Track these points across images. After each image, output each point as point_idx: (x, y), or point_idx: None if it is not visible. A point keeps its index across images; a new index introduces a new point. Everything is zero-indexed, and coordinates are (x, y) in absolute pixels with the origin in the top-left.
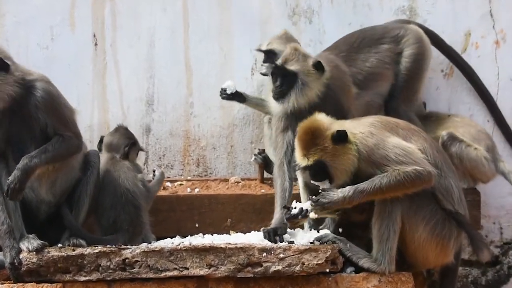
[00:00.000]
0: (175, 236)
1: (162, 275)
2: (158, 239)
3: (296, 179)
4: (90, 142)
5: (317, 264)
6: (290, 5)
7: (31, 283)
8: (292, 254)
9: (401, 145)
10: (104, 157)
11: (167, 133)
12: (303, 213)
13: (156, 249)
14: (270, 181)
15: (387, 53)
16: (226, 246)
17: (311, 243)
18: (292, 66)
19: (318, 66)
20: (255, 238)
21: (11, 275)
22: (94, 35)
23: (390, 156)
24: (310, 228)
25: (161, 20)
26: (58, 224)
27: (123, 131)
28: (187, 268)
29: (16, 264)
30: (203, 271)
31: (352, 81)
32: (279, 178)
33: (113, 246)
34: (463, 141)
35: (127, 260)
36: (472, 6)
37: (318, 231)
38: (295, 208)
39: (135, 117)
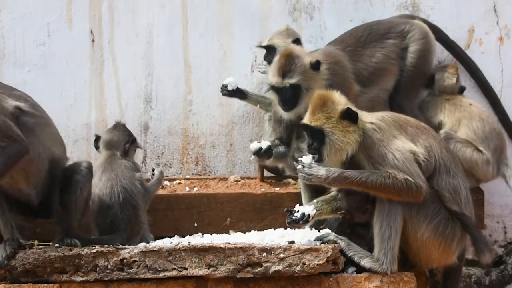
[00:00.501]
0: (173, 236)
1: (161, 275)
2: (156, 238)
3: (296, 178)
4: (87, 140)
5: (318, 264)
6: (291, 0)
7: (27, 284)
8: (292, 254)
9: (403, 150)
10: (102, 155)
11: (166, 131)
12: (305, 219)
13: (155, 249)
14: (270, 180)
15: (392, 48)
16: (225, 246)
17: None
18: (293, 79)
19: (316, 66)
20: (255, 238)
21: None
22: (92, 32)
23: (388, 157)
24: (311, 227)
25: (159, 16)
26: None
27: (122, 128)
28: (186, 268)
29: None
30: (202, 271)
31: (357, 78)
32: None
33: (111, 246)
34: (460, 141)
35: (125, 260)
36: (475, 1)
37: (319, 231)
38: (297, 211)
39: (133, 115)
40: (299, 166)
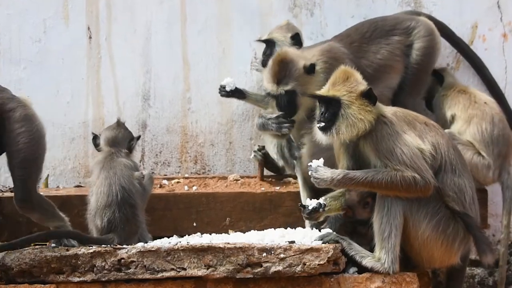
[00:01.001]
0: (172, 236)
1: (159, 275)
2: (154, 238)
3: (295, 177)
4: (84, 139)
5: (318, 264)
6: None
7: (24, 284)
8: (293, 254)
9: (411, 145)
10: (102, 152)
11: (164, 129)
12: (322, 208)
13: (153, 249)
14: (270, 179)
15: (397, 45)
16: (224, 246)
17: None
18: (288, 86)
19: (310, 70)
20: (255, 238)
21: None
22: (89, 28)
23: (396, 151)
24: (312, 227)
25: (157, 13)
26: None
27: (124, 126)
28: (184, 269)
29: None
30: (201, 272)
31: (361, 74)
32: None
33: (108, 246)
34: (461, 142)
35: (122, 260)
36: None
37: (319, 230)
38: (310, 204)
39: (130, 113)
40: (310, 172)
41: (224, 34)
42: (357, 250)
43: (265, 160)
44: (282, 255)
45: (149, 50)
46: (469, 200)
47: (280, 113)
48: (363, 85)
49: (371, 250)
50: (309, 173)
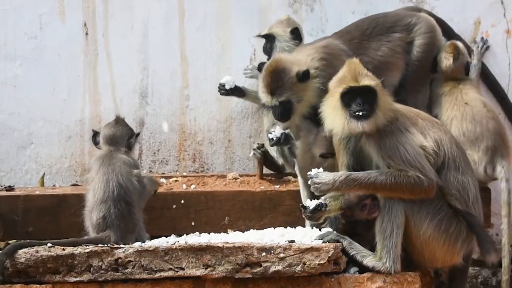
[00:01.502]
0: (170, 235)
1: (157, 275)
2: (152, 238)
3: (296, 176)
4: (81, 137)
5: (319, 264)
6: None
7: (19, 284)
8: (292, 253)
9: (414, 144)
10: (101, 150)
11: (162, 127)
12: (324, 206)
13: (150, 249)
14: (269, 177)
15: (398, 42)
16: (223, 246)
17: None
18: (282, 96)
19: (303, 78)
20: (254, 237)
21: None
22: (85, 24)
23: (399, 150)
24: (312, 226)
25: (155, 9)
26: None
27: (124, 123)
28: (182, 269)
29: None
30: (199, 272)
31: None
32: None
33: (105, 245)
34: None
35: (119, 260)
36: None
37: (320, 229)
38: (311, 204)
39: (128, 110)
40: (310, 181)
41: (223, 31)
42: (358, 250)
43: (265, 158)
44: (281, 255)
45: (147, 46)
46: (472, 199)
47: (286, 130)
48: (375, 79)
49: (372, 250)
50: (309, 181)
